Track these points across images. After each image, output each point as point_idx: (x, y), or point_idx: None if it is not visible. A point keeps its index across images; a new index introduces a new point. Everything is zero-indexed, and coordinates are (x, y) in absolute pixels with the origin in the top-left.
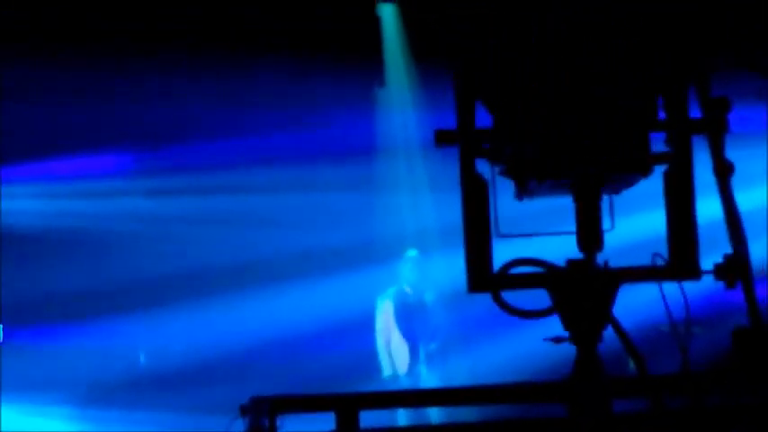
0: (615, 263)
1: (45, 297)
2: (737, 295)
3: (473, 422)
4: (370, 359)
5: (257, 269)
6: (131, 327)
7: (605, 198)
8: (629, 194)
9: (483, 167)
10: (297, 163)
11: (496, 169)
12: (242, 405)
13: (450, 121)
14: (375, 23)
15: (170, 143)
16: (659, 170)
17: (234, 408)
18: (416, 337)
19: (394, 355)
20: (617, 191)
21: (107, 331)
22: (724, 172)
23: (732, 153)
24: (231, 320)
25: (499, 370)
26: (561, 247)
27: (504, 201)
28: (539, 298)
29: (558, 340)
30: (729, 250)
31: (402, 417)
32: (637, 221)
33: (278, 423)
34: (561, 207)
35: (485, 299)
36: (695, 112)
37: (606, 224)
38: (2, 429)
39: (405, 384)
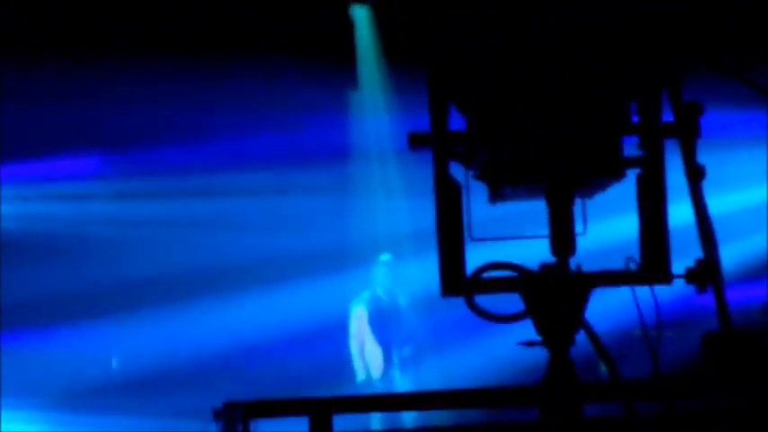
0: (588, 267)
1: (16, 301)
2: (708, 299)
3: (447, 426)
4: (343, 364)
5: (231, 273)
6: (104, 331)
7: (578, 202)
8: (601, 198)
9: (457, 171)
10: (270, 166)
11: (470, 173)
12: (215, 409)
13: (423, 125)
14: (348, 26)
15: (141, 146)
16: (632, 174)
17: (207, 412)
18: (390, 341)
19: (368, 360)
20: (590, 195)
21: (79, 336)
22: (695, 176)
23: (703, 157)
24: (204, 325)
25: (473, 374)
26: (534, 251)
27: (478, 204)
28: (514, 302)
29: (530, 344)
30: (700, 254)
31: (376, 421)
32: (609, 225)
33: (251, 428)
34: (535, 211)
35: (458, 303)
36: (668, 117)
37: (579, 228)
38: None
39: (378, 388)
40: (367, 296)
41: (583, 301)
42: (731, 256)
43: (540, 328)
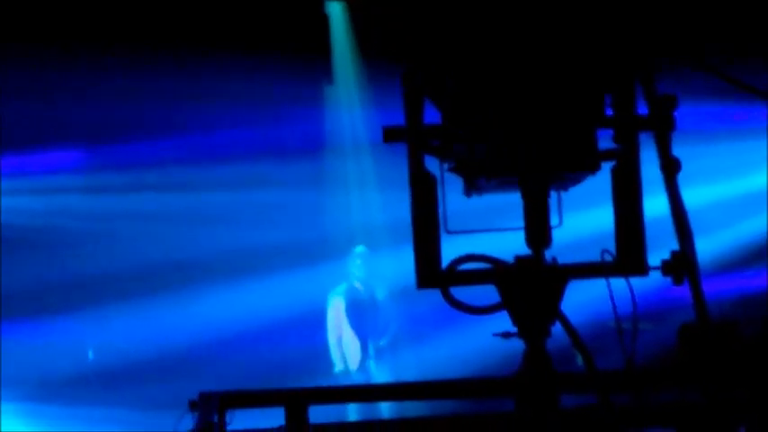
0: (563, 259)
1: None
2: (684, 291)
3: (423, 417)
4: (320, 355)
5: (207, 266)
6: (79, 323)
7: (553, 194)
8: (576, 191)
9: (432, 164)
10: (245, 160)
11: (445, 166)
12: (191, 400)
13: (398, 119)
14: (323, 21)
15: (115, 140)
16: (606, 167)
17: (183, 403)
18: (367, 332)
19: (345, 351)
20: (565, 187)
21: (55, 328)
22: (671, 169)
23: (679, 150)
24: (180, 316)
25: (449, 365)
26: (511, 244)
27: (453, 197)
28: (493, 293)
29: (506, 335)
30: (676, 246)
31: (352, 412)
32: (585, 218)
33: (227, 418)
34: (511, 204)
35: (434, 295)
36: (642, 110)
37: (554, 220)
38: None
39: (356, 379)
40: (344, 288)
41: (558, 293)
42: (706, 248)
43: (515, 319)
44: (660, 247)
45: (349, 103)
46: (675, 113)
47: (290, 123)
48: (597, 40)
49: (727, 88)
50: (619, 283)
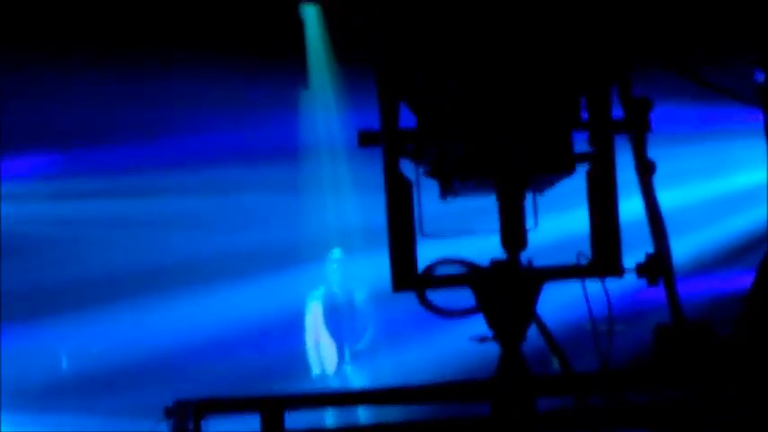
0: (539, 262)
1: None
2: (659, 292)
3: (400, 422)
4: (298, 360)
5: (182, 271)
6: (53, 329)
7: (529, 197)
8: (552, 193)
9: (408, 168)
10: (220, 164)
11: (421, 170)
12: (166, 408)
13: (374, 123)
14: (298, 25)
15: (90, 145)
16: (582, 169)
17: (158, 411)
18: (344, 336)
19: (322, 355)
20: (540, 190)
21: (28, 334)
22: (646, 171)
23: (654, 152)
24: (155, 322)
25: (426, 368)
26: (489, 247)
27: (429, 201)
28: (471, 296)
29: (482, 339)
30: (651, 248)
31: (330, 417)
32: (560, 220)
33: (203, 426)
34: (488, 207)
35: (412, 298)
36: (618, 112)
37: (530, 223)
38: None
39: (333, 384)
40: (321, 292)
41: (534, 295)
42: (681, 249)
43: (491, 323)
44: (635, 249)
45: (324, 107)
46: (650, 115)
47: (266, 127)
48: (574, 43)
49: (701, 90)
50: (594, 286)
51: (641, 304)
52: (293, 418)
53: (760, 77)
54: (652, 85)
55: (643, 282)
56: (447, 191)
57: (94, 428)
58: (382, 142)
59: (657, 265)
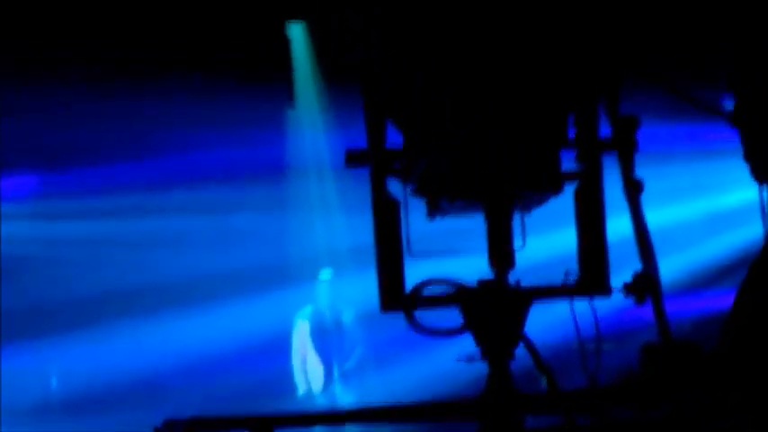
0: (527, 281)
1: None
2: (647, 312)
3: None
4: (286, 379)
5: (170, 291)
6: (42, 349)
7: (516, 215)
8: (539, 212)
9: (395, 187)
10: (206, 184)
11: (408, 189)
12: (155, 428)
13: (361, 141)
14: (284, 43)
15: (77, 165)
16: (569, 188)
17: (147, 431)
18: (332, 355)
19: (309, 375)
20: (528, 209)
21: (16, 354)
22: (634, 190)
23: (642, 170)
24: (144, 342)
25: (415, 388)
26: (479, 266)
27: (417, 220)
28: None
29: (470, 359)
30: (639, 267)
31: None
32: (548, 239)
33: None
34: (476, 226)
35: (400, 318)
36: (606, 130)
37: (518, 242)
38: None
39: (320, 403)
40: (308, 311)
41: (522, 315)
42: (669, 268)
43: (479, 342)
44: (623, 268)
45: (312, 126)
46: (638, 134)
47: (252, 146)
48: (563, 60)
49: (690, 109)
50: (581, 305)
51: (629, 323)
52: None
53: (729, 104)
54: (640, 103)
55: (630, 301)
56: (434, 210)
57: None
58: (369, 161)
59: (645, 285)
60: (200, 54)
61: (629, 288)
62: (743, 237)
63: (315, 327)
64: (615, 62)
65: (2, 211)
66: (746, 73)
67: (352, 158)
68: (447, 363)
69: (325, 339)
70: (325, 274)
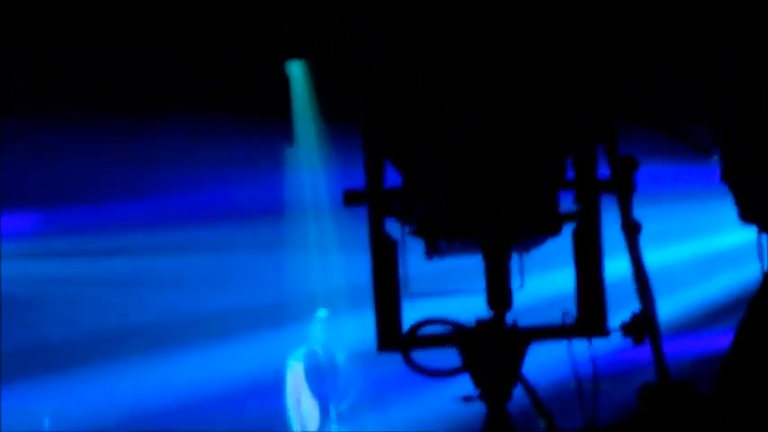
0: (525, 321)
1: None
2: (645, 352)
3: None
4: (280, 421)
5: (165, 331)
6: (35, 389)
7: (515, 256)
8: (538, 253)
9: (393, 227)
10: (203, 223)
11: (406, 228)
12: None
13: (359, 181)
14: (283, 81)
15: (68, 204)
16: (567, 228)
17: None
18: (327, 396)
19: (304, 416)
20: (527, 249)
21: (8, 394)
22: (632, 230)
23: (640, 211)
24: (138, 383)
25: (411, 429)
26: (477, 307)
27: (415, 260)
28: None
29: (467, 399)
30: (637, 308)
31: None
32: (546, 279)
33: None
34: (475, 266)
35: (396, 358)
36: (604, 170)
37: (516, 282)
38: None
39: None
40: (303, 352)
41: (519, 355)
42: (667, 309)
43: (477, 382)
44: (621, 309)
45: (310, 165)
46: (636, 175)
47: (250, 185)
48: (562, 100)
49: (686, 149)
50: (579, 346)
51: (627, 364)
52: None
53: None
54: (638, 143)
55: (628, 341)
56: (433, 250)
57: None
58: (367, 201)
59: (643, 325)
60: (198, 92)
61: (627, 328)
62: (740, 276)
63: (309, 367)
64: (613, 94)
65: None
66: (731, 131)
67: (351, 198)
68: (444, 403)
69: (321, 380)
70: (321, 314)
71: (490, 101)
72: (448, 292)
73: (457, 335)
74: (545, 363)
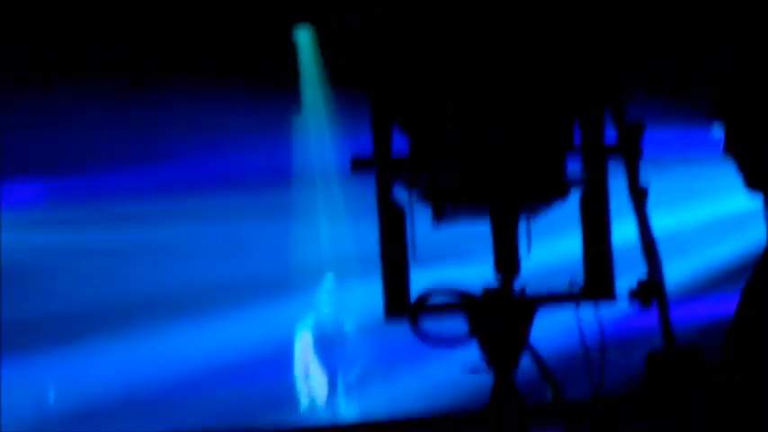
0: (532, 288)
1: None
2: (651, 319)
3: None
4: (288, 390)
5: (172, 301)
6: (40, 362)
7: (523, 220)
8: (544, 219)
9: (401, 193)
10: (210, 191)
11: (414, 195)
12: None
13: (368, 148)
14: (291, 48)
15: (74, 173)
16: (574, 194)
17: None
18: (335, 366)
19: (312, 386)
20: (534, 214)
21: (14, 367)
22: (639, 196)
23: (648, 176)
24: (145, 354)
25: (419, 398)
26: (484, 273)
27: (423, 227)
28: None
29: (475, 370)
30: (644, 273)
31: None
32: (554, 245)
33: None
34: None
35: (404, 327)
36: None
37: (523, 248)
38: None
39: (323, 416)
40: (311, 321)
41: (527, 323)
42: (674, 274)
43: (484, 350)
44: (628, 274)
45: (318, 132)
46: (643, 140)
47: (257, 153)
48: (569, 65)
49: (696, 115)
50: (585, 314)
51: (634, 331)
52: None
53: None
54: (645, 108)
55: (635, 308)
56: (440, 216)
57: None
58: (375, 168)
59: (651, 290)
60: (204, 60)
61: (634, 293)
62: (748, 241)
63: (317, 336)
64: (618, 65)
65: (2, 219)
66: (734, 99)
67: (358, 165)
68: (452, 372)
69: (329, 349)
70: (329, 282)
71: (494, 61)
72: (456, 258)
73: (464, 303)
74: (552, 330)
